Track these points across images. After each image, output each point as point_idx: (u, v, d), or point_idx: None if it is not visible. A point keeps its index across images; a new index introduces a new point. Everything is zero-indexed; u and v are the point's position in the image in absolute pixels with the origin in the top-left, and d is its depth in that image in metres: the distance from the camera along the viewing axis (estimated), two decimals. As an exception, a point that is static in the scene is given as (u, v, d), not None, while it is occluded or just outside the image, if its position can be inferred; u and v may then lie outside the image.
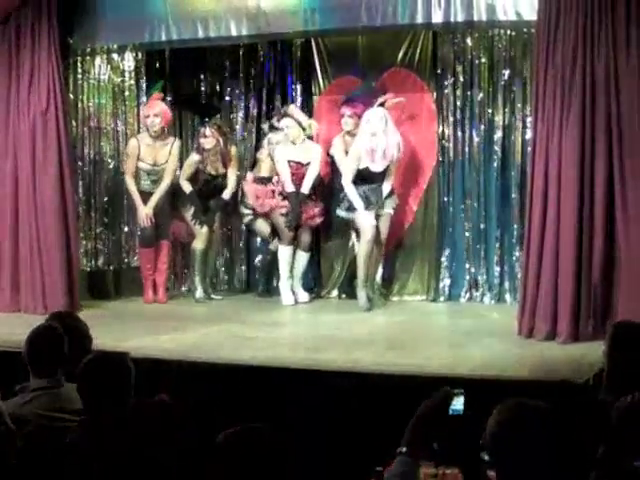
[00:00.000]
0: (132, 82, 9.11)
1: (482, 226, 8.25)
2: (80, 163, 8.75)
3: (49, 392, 4.04)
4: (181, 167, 8.70)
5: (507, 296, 8.13)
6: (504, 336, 6.56)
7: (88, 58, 8.72)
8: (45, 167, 7.86)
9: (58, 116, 7.90)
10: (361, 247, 7.85)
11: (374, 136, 7.66)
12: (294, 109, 8.36)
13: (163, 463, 3.11)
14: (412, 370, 5.53)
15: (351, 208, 7.85)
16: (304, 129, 8.23)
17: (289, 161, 8.18)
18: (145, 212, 8.35)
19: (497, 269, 8.19)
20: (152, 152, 8.40)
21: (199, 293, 8.52)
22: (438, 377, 5.14)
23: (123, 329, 7.01)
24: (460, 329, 7.05)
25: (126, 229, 9.14)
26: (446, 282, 8.39)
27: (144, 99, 9.09)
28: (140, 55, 9.07)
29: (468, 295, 8.31)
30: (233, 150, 8.55)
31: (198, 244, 8.54)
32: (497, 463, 2.76)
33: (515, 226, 8.04)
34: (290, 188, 8.16)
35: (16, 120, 7.94)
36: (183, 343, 6.58)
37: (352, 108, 7.96)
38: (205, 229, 8.51)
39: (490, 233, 8.23)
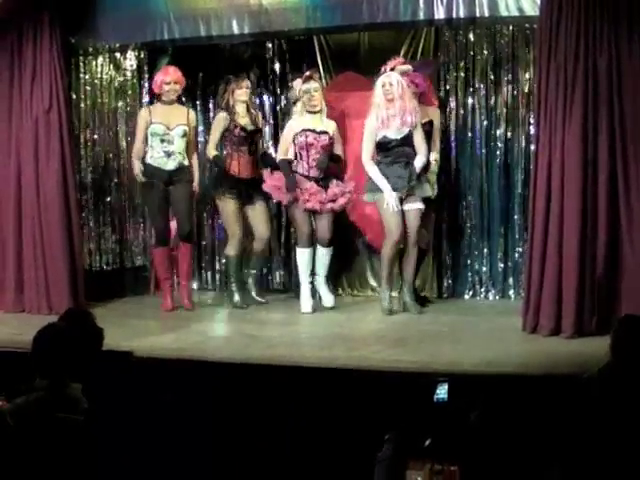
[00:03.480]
0: (134, 81, 9.09)
1: (485, 222, 8.23)
2: (83, 162, 8.74)
3: (54, 392, 4.04)
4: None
5: (511, 292, 8.13)
6: (509, 332, 6.56)
7: (90, 57, 8.73)
8: (48, 166, 7.87)
9: (61, 115, 7.91)
10: (385, 248, 7.39)
11: (390, 102, 7.32)
12: (318, 75, 7.99)
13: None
14: (416, 367, 5.54)
15: (376, 189, 7.37)
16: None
17: (305, 130, 7.63)
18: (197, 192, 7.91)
19: (501, 265, 8.17)
20: (165, 114, 7.79)
21: (237, 299, 7.87)
22: (442, 374, 5.13)
23: (128, 328, 7.01)
24: (464, 325, 7.04)
25: (129, 228, 9.12)
26: (450, 278, 8.39)
27: (146, 99, 9.08)
28: (142, 54, 9.06)
29: (472, 292, 8.30)
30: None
31: (231, 250, 7.87)
32: (480, 456, 2.77)
33: (518, 222, 8.03)
34: (281, 155, 7.72)
35: (19, 119, 7.94)
36: (187, 342, 6.59)
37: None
38: (239, 231, 7.79)
39: (493, 229, 8.21)
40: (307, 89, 7.66)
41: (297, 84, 7.80)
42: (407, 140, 7.42)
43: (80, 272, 8.01)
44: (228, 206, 7.83)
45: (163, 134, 7.75)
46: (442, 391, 3.26)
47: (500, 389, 4.84)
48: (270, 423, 5.09)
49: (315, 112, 7.70)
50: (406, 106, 7.33)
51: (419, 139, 7.45)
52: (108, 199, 8.97)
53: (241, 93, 7.76)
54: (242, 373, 5.68)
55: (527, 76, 7.95)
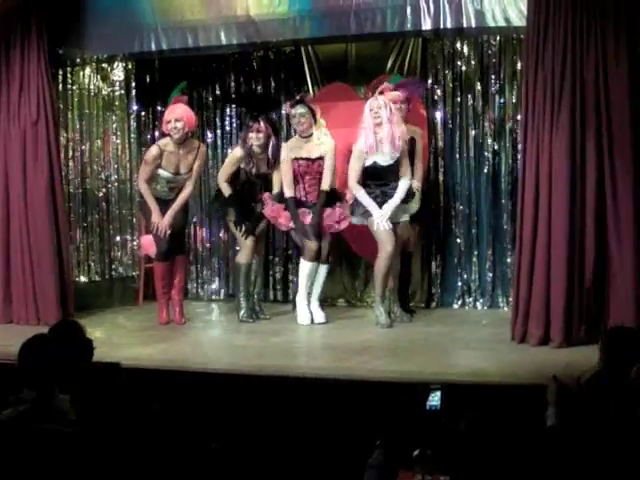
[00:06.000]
0: (122, 92, 9.09)
1: (474, 232, 8.25)
2: (70, 173, 8.73)
3: (41, 404, 4.02)
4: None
5: (500, 302, 8.13)
6: (497, 342, 6.57)
7: (78, 68, 8.73)
8: (36, 178, 7.85)
9: (48, 126, 7.90)
10: (379, 261, 7.26)
11: (379, 126, 7.25)
12: (310, 98, 7.92)
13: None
14: (405, 377, 5.53)
15: (365, 213, 7.32)
16: (316, 121, 7.59)
17: (297, 158, 7.54)
18: (164, 225, 7.60)
19: (489, 275, 8.19)
20: (175, 160, 7.66)
21: (243, 312, 7.73)
22: (432, 383, 5.13)
23: (116, 339, 7.00)
24: (453, 335, 7.04)
25: (117, 239, 9.11)
26: (438, 288, 8.40)
27: (134, 108, 9.12)
28: (130, 65, 9.06)
29: (461, 301, 8.31)
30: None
31: (242, 258, 7.75)
32: (471, 466, 2.78)
33: (507, 232, 8.04)
34: (289, 193, 7.53)
35: (7, 131, 7.93)
36: (175, 353, 6.58)
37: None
38: (250, 240, 7.70)
39: (482, 239, 8.23)
40: (294, 114, 7.58)
41: (286, 108, 7.75)
42: (397, 166, 7.37)
43: (68, 283, 8.00)
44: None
45: (170, 179, 7.72)
46: (435, 398, 3.25)
47: (489, 398, 4.85)
48: (260, 433, 5.08)
49: (307, 136, 7.60)
50: (395, 130, 7.27)
51: (404, 163, 7.38)
52: (96, 210, 8.96)
53: (255, 137, 7.60)
54: (231, 383, 5.67)
55: (514, 86, 7.97)
